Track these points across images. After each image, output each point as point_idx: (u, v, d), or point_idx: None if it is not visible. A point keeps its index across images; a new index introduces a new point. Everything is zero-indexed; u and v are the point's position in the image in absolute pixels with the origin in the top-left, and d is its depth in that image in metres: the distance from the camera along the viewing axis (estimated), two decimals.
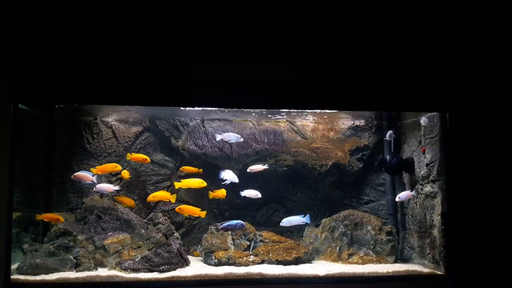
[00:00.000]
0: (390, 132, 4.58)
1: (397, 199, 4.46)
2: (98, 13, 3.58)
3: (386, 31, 3.89)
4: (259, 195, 4.44)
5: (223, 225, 4.30)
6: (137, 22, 3.63)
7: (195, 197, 4.83)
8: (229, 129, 4.83)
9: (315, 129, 5.02)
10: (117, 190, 4.49)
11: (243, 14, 3.73)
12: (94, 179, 4.28)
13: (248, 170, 4.55)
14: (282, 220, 4.39)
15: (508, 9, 3.93)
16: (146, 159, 4.49)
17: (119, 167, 4.41)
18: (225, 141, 4.64)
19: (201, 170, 4.60)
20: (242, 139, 4.56)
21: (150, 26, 3.65)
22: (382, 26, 3.89)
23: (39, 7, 3.51)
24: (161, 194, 4.42)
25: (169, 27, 3.66)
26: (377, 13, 3.87)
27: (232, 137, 4.56)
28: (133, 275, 3.72)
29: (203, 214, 4.41)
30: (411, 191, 4.43)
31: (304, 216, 4.36)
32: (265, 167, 4.58)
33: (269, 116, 4.72)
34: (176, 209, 4.37)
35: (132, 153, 4.56)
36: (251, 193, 4.43)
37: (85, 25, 3.58)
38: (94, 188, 4.34)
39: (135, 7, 3.61)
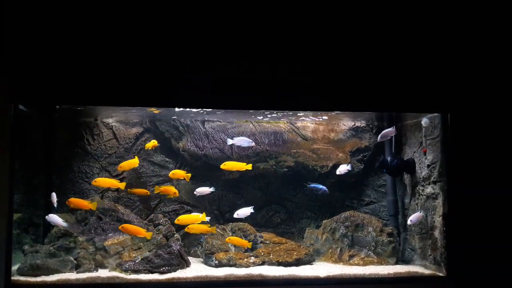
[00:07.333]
0: (390, 129, 4.39)
1: (409, 222, 4.29)
2: (98, 15, 3.58)
3: (388, 31, 3.89)
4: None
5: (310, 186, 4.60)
6: (136, 23, 3.63)
7: (195, 198, 4.82)
8: (229, 130, 4.82)
9: (316, 130, 5.02)
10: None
11: (242, 15, 3.73)
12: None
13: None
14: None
15: (509, 9, 3.92)
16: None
17: None
18: (236, 145, 4.56)
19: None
20: (253, 144, 4.51)
21: (149, 28, 3.64)
22: (384, 26, 3.88)
23: (39, 8, 3.51)
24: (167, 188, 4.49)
25: (168, 29, 3.66)
26: (378, 13, 3.86)
27: (243, 142, 4.48)
28: (133, 276, 3.71)
29: (148, 235, 4.14)
30: (420, 213, 4.28)
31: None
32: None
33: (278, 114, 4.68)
34: (119, 227, 4.09)
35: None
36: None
37: (85, 27, 3.57)
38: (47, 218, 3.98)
39: (135, 8, 3.61)
